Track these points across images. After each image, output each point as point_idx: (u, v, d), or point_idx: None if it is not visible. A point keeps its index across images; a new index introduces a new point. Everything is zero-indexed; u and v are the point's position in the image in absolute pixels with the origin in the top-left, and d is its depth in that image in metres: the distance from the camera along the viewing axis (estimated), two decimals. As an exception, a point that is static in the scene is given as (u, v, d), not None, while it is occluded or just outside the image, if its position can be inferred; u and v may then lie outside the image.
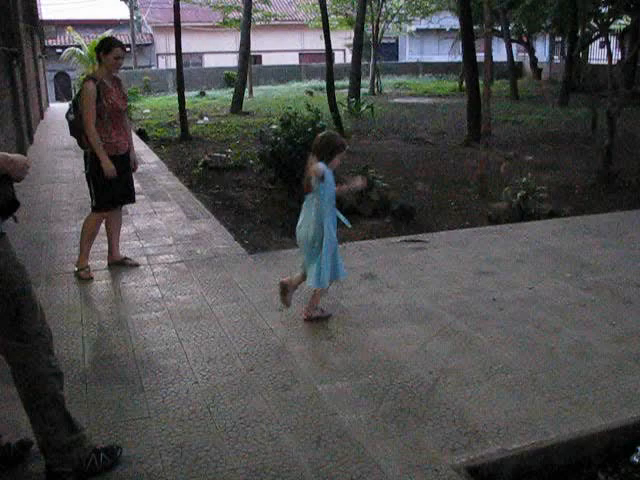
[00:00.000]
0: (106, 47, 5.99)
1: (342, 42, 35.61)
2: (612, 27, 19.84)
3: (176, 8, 15.97)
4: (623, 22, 23.06)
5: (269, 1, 32.66)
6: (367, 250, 6.94)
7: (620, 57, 15.09)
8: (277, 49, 42.78)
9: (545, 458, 3.60)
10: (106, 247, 6.58)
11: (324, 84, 16.56)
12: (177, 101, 16.73)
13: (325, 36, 15.44)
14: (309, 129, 9.27)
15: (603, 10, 17.10)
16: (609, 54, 12.44)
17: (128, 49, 37.40)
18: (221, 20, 31.41)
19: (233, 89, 24.73)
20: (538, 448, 3.59)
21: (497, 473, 3.48)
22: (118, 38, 6.89)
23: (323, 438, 3.60)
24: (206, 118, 20.97)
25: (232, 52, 32.62)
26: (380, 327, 5.03)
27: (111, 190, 6.10)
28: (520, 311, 5.34)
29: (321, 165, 4.94)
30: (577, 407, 3.93)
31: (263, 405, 3.93)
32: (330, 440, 3.58)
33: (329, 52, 15.72)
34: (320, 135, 5.25)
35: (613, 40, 19.07)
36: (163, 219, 8.37)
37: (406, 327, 5.02)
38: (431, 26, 42.46)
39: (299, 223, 5.22)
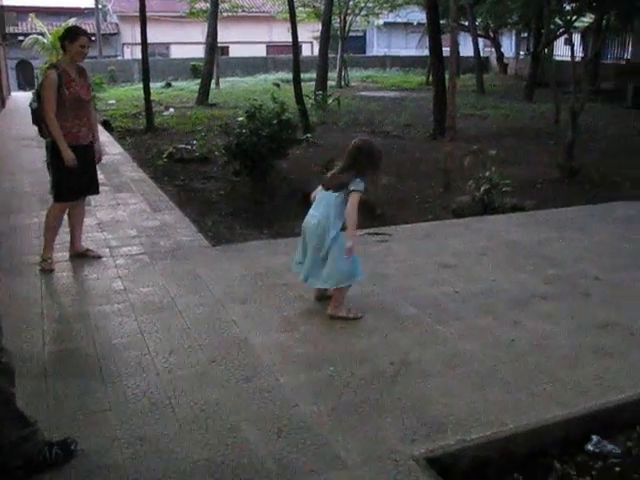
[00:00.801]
0: (71, 36, 5.91)
1: (310, 34, 35.52)
2: (576, 25, 20.05)
3: (142, -1, 15.79)
4: (587, 20, 23.37)
5: (237, -8, 32.58)
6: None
7: (583, 54, 15.29)
8: (244, 41, 42.54)
9: (503, 448, 3.65)
10: (68, 238, 6.51)
11: (291, 76, 16.52)
12: (143, 92, 16.57)
13: (292, 28, 15.39)
14: (274, 121, 9.27)
15: (567, 8, 17.27)
16: (572, 51, 12.59)
17: (93, 38, 36.99)
18: (188, 10, 31.18)
19: (200, 80, 24.56)
20: (496, 438, 3.65)
21: (456, 463, 3.53)
22: (83, 27, 6.81)
23: (284, 430, 3.62)
24: (172, 109, 20.82)
25: (199, 43, 32.38)
26: (342, 319, 5.05)
27: (72, 181, 6.03)
28: (482, 304, 5.40)
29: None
30: (535, 398, 3.99)
31: (224, 397, 3.93)
32: (291, 432, 3.60)
33: (296, 44, 15.68)
34: (361, 143, 5.13)
35: (577, 37, 19.31)
36: (127, 211, 8.30)
37: (368, 319, 5.05)
38: (399, 20, 42.59)
39: (312, 218, 5.05)
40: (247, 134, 9.16)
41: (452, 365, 4.36)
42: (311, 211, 5.11)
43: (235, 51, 42.20)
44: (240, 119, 10.20)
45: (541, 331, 4.91)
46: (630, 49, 30.45)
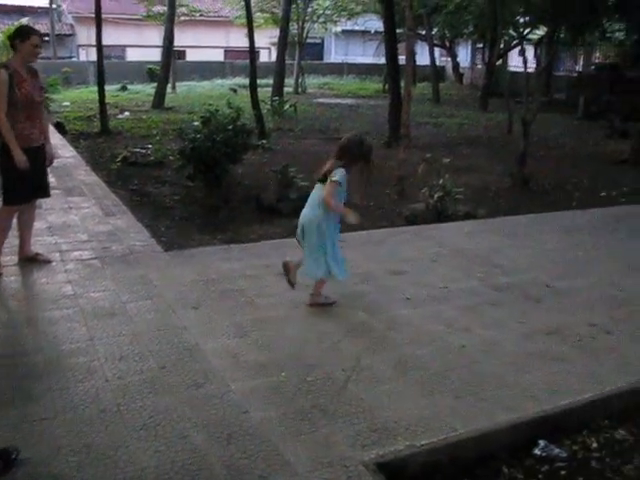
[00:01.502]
0: (22, 35, 5.82)
1: (268, 40, 35.51)
2: (530, 37, 20.40)
3: (97, -1, 15.60)
4: (540, 32, 23.78)
5: (195, -4, 32.41)
6: (284, 249, 6.92)
7: (536, 65, 15.57)
8: (202, 45, 42.28)
9: (452, 453, 3.70)
10: (17, 242, 6.39)
11: (248, 82, 16.50)
12: (98, 94, 16.37)
13: (249, 34, 15.38)
14: (229, 127, 9.24)
15: (521, 20, 17.58)
16: (525, 63, 12.80)
17: (47, 38, 36.40)
18: (145, 13, 30.91)
19: (156, 84, 24.37)
20: (445, 443, 3.69)
21: (405, 468, 3.56)
22: (36, 27, 6.71)
23: (234, 436, 3.60)
24: (127, 113, 20.60)
25: (156, 46, 32.04)
26: (293, 325, 5.06)
27: (23, 184, 5.92)
28: (433, 310, 5.45)
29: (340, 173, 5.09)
30: (484, 403, 4.05)
31: (174, 403, 3.91)
32: (241, 438, 3.59)
33: (253, 50, 15.66)
34: (352, 135, 5.41)
35: (531, 49, 19.65)
36: (78, 215, 8.18)
37: (320, 325, 5.07)
38: (356, 28, 42.75)
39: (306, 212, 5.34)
40: (202, 139, 9.11)
41: (403, 371, 4.39)
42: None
43: (192, 55, 41.89)
44: (195, 124, 10.14)
45: (491, 337, 4.98)
46: (581, 62, 31.12)
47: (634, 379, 4.45)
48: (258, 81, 16.77)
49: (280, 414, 3.83)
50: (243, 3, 16.83)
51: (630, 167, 13.41)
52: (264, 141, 12.84)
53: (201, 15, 36.00)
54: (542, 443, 3.90)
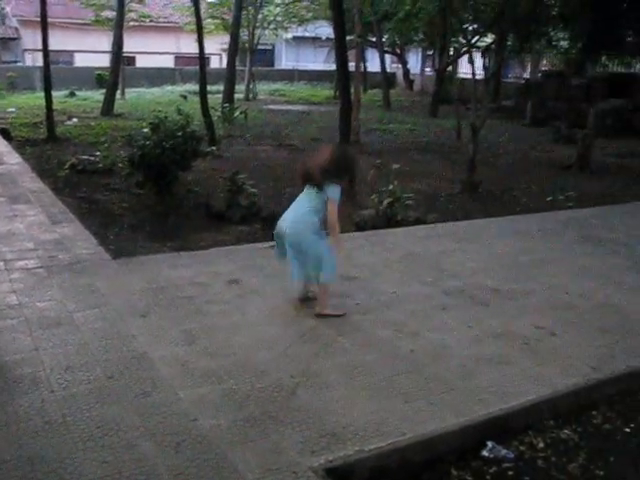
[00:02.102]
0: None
1: (218, 47, 35.35)
2: (479, 44, 20.72)
3: (42, 1, 15.32)
4: (489, 40, 24.18)
5: (144, 1, 32.04)
6: (233, 256, 6.94)
7: (484, 73, 15.84)
8: (152, 51, 41.92)
9: (401, 457, 3.73)
10: (-41, 251, 6.26)
11: (198, 88, 16.40)
12: (44, 100, 16.09)
13: (199, 40, 15.30)
14: (179, 133, 9.18)
15: (470, 28, 17.85)
16: (473, 70, 13.00)
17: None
18: (93, 18, 30.51)
19: (105, 90, 24.07)
20: (394, 448, 3.72)
21: (354, 473, 3.57)
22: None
23: (182, 444, 3.58)
24: (75, 119, 20.28)
25: (105, 52, 31.69)
26: (243, 332, 5.04)
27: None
28: (382, 315, 5.49)
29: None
30: (433, 407, 4.09)
31: (122, 412, 3.86)
32: (190, 446, 3.56)
33: (202, 56, 15.58)
34: (342, 151, 5.61)
35: (479, 56, 19.94)
36: (24, 223, 8.02)
37: (269, 332, 5.06)
38: (307, 34, 42.89)
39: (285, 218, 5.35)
40: (151, 146, 9.03)
41: (352, 376, 4.41)
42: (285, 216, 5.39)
43: (142, 61, 41.50)
44: (145, 130, 10.05)
45: (440, 341, 5.03)
46: (529, 69, 31.72)
47: (578, 380, 4.55)
48: (209, 87, 16.69)
49: (229, 421, 3.82)
50: (193, 9, 16.73)
51: (576, 172, 13.73)
52: (214, 148, 12.78)
53: (151, 21, 35.64)
54: (490, 445, 3.96)
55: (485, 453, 3.93)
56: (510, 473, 3.79)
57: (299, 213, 5.28)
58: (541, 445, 4.05)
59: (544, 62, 31.42)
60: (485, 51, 19.09)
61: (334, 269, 5.33)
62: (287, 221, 5.33)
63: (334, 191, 5.16)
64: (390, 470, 3.67)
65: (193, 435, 3.66)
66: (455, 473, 3.77)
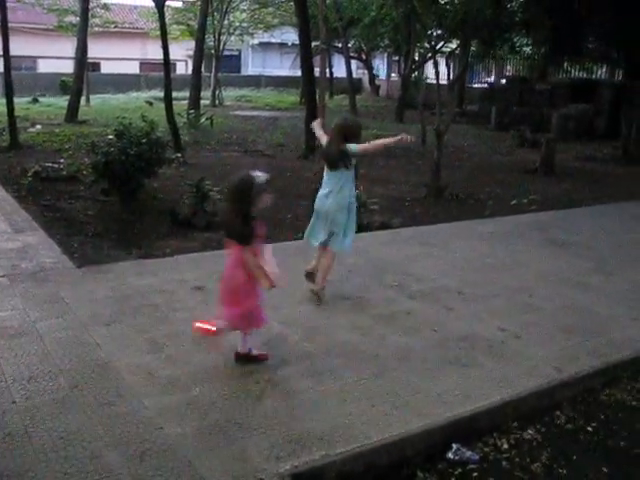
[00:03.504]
0: None
1: (184, 53, 35.21)
2: (444, 49, 20.89)
3: (2, 5, 15.08)
4: (454, 45, 24.42)
5: (108, 7, 31.83)
6: (199, 262, 6.92)
7: (448, 78, 15.97)
8: (117, 57, 41.63)
9: (367, 461, 3.75)
10: None
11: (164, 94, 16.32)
12: (6, 107, 15.88)
13: (163, 46, 15.23)
14: (143, 140, 9.13)
15: (434, 33, 17.99)
16: (437, 75, 13.11)
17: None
18: (56, 23, 30.22)
19: (69, 97, 23.83)
20: (360, 452, 3.73)
21: (321, 478, 3.58)
22: None
23: (148, 453, 3.56)
24: (38, 126, 20.05)
25: (69, 58, 31.37)
26: (208, 339, 5.01)
27: None
28: (348, 320, 5.51)
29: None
30: (399, 410, 4.11)
31: (86, 422, 3.82)
32: (155, 455, 3.54)
33: (167, 62, 15.51)
34: (352, 119, 6.23)
35: (445, 62, 20.13)
36: (-14, 232, 7.92)
37: (234, 339, 5.03)
38: (273, 40, 42.99)
39: (327, 195, 5.81)
40: (115, 153, 8.97)
41: (318, 381, 4.42)
42: (325, 192, 5.85)
43: (107, 67, 41.20)
44: (109, 137, 9.97)
45: (405, 345, 5.06)
46: (493, 75, 32.06)
47: (541, 381, 4.61)
48: (175, 94, 16.63)
49: (195, 429, 3.80)
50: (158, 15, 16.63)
51: (540, 176, 13.92)
52: (179, 154, 12.73)
53: (116, 27, 35.43)
54: (455, 447, 4.00)
55: (450, 455, 3.96)
56: (475, 474, 3.83)
57: (345, 187, 5.80)
58: (505, 446, 4.10)
59: (508, 68, 31.74)
60: (449, 56, 19.28)
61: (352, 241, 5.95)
62: (330, 198, 5.81)
63: (353, 146, 5.68)
64: (356, 474, 3.68)
65: (158, 444, 3.64)
66: (421, 475, 3.80)
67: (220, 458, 3.54)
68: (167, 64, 15.53)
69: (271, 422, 3.90)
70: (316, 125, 6.39)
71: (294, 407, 4.09)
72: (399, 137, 5.79)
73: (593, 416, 4.50)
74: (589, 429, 4.34)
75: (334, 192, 5.77)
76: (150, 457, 3.52)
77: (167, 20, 19.00)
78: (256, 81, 42.70)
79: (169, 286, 6.17)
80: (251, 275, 4.43)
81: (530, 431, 4.27)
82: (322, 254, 6.00)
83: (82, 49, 22.99)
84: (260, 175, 4.53)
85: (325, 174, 5.90)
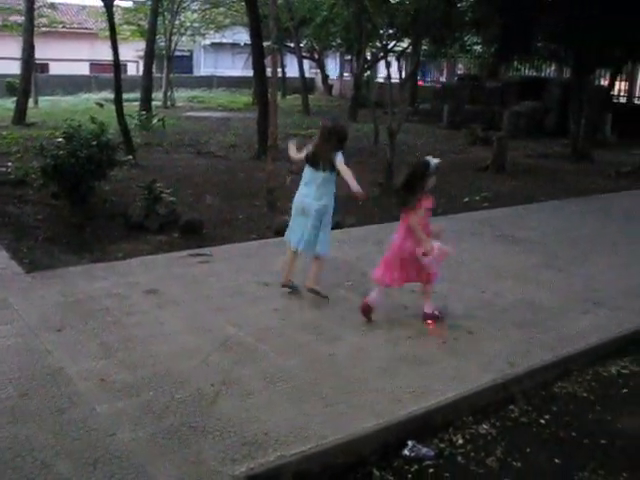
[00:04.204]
0: None
1: (135, 53, 34.77)
2: (396, 48, 21.03)
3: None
4: (405, 44, 24.63)
5: (55, 6, 31.29)
6: (151, 265, 6.84)
7: (399, 77, 16.08)
8: (66, 58, 40.96)
9: (323, 461, 3.74)
10: None
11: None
12: (-50, 110, 15.52)
13: (113, 47, 14.98)
14: (94, 142, 8.97)
15: (386, 32, 18.10)
16: (389, 74, 13.18)
17: None
18: (0, 23, 29.58)
19: (16, 98, 23.36)
20: (316, 452, 3.73)
21: (277, 479, 3.56)
22: None
23: (100, 460, 3.50)
24: (-16, 129, 19.61)
25: (15, 59, 30.75)
26: (162, 343, 4.97)
27: None
28: (302, 320, 5.51)
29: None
30: (353, 409, 4.12)
31: (36, 431, 3.75)
32: (107, 462, 3.49)
33: (117, 63, 15.26)
34: (341, 123, 6.47)
35: (397, 61, 20.27)
36: None
37: (188, 341, 5.01)
38: (225, 40, 42.70)
39: (308, 195, 5.97)
40: (65, 155, 8.80)
41: (272, 382, 4.41)
42: (307, 192, 5.99)
43: (56, 69, 40.50)
44: (58, 140, 9.79)
45: (359, 344, 5.08)
46: (445, 73, 32.39)
47: (495, 376, 4.66)
48: (126, 95, 16.40)
49: (149, 434, 3.76)
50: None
51: (492, 173, 14.08)
52: (131, 157, 12.55)
53: (64, 27, 34.85)
54: (410, 444, 4.01)
55: (406, 452, 3.98)
56: (431, 471, 3.85)
57: (328, 189, 6.02)
58: (460, 441, 4.13)
59: (460, 66, 32.09)
60: (400, 55, 19.42)
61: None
62: (311, 197, 5.98)
63: (339, 155, 5.91)
64: (312, 474, 3.68)
65: (111, 451, 3.59)
66: (377, 474, 3.80)
67: (175, 463, 3.51)
68: (117, 65, 15.29)
69: (226, 424, 3.88)
70: (291, 146, 6.41)
71: (249, 409, 4.06)
72: (358, 189, 6.01)
73: (546, 409, 4.57)
74: (542, 422, 4.40)
75: (318, 192, 5.97)
76: (103, 465, 3.46)
77: (117, 20, 18.74)
78: (208, 82, 42.36)
79: (121, 290, 6.09)
80: (418, 241, 5.48)
81: (485, 426, 4.31)
82: (311, 262, 6.19)
83: (28, 50, 22.53)
84: (434, 160, 5.65)
85: (308, 174, 6.03)
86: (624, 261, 7.67)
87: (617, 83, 20.99)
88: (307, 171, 6.04)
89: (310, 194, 5.97)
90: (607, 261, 7.64)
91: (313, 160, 5.97)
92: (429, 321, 5.56)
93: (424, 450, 4.00)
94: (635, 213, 10.73)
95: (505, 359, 4.92)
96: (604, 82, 20.98)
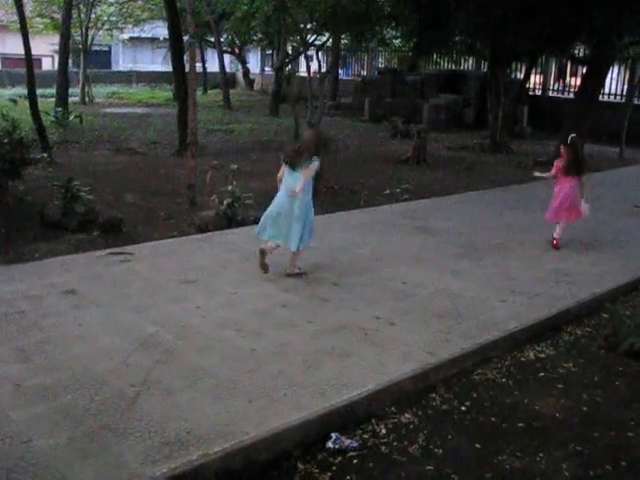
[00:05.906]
0: None
1: (50, 47, 33.82)
2: (316, 43, 21.06)
3: None
4: (326, 38, 24.69)
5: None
6: (70, 265, 6.67)
7: (319, 71, 16.13)
8: (-26, 52, 39.53)
9: (245, 457, 3.73)
10: None
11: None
12: None
13: (24, 40, 14.52)
14: (5, 140, 8.70)
15: (306, 27, 18.13)
16: (308, 68, 13.21)
17: None
18: None
19: None
20: (238, 448, 3.71)
21: (199, 478, 3.53)
22: None
23: (15, 469, 3.40)
24: None
25: None
26: (80, 344, 4.87)
27: None
28: (222, 316, 5.47)
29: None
30: (276, 404, 4.12)
31: (-55, 442, 3.61)
32: (22, 470, 3.39)
33: (29, 57, 14.81)
34: (327, 135, 7.30)
35: (317, 55, 20.33)
36: None
37: (108, 342, 4.91)
38: (144, 35, 41.94)
39: (285, 193, 6.43)
40: (-25, 155, 8.52)
41: (194, 380, 4.37)
42: (284, 191, 6.47)
43: (-35, 64, 39.07)
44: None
45: (281, 338, 5.08)
46: (366, 67, 32.62)
47: (416, 366, 4.73)
48: (41, 91, 15.97)
49: (66, 439, 3.67)
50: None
51: (412, 165, 14.29)
52: (46, 154, 12.21)
53: (-29, 19, 33.60)
54: (334, 436, 4.04)
55: (330, 444, 4.00)
56: (355, 461, 3.88)
57: (308, 187, 6.48)
58: (384, 431, 4.18)
59: (380, 60, 32.35)
60: (320, 49, 19.47)
61: (308, 238, 6.61)
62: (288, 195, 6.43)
63: (314, 163, 6.38)
64: (236, 471, 3.66)
65: (27, 458, 3.49)
66: (302, 467, 3.81)
67: (94, 467, 3.44)
68: (29, 59, 14.80)
69: (147, 425, 3.82)
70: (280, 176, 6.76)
71: (170, 408, 4.01)
72: (296, 191, 6.34)
73: (466, 396, 4.66)
74: (463, 408, 4.50)
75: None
76: (18, 474, 3.36)
77: (28, 12, 18.18)
78: (127, 77, 41.55)
79: (38, 291, 5.92)
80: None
81: (407, 415, 4.37)
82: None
83: None
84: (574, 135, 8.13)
85: (287, 174, 6.51)
86: (539, 249, 7.90)
87: (532, 76, 21.57)
88: (286, 172, 6.54)
89: (286, 193, 6.45)
90: (523, 250, 7.85)
91: (292, 162, 6.46)
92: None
93: (348, 442, 4.03)
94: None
95: (425, 349, 5.00)
96: (520, 76, 21.48)
